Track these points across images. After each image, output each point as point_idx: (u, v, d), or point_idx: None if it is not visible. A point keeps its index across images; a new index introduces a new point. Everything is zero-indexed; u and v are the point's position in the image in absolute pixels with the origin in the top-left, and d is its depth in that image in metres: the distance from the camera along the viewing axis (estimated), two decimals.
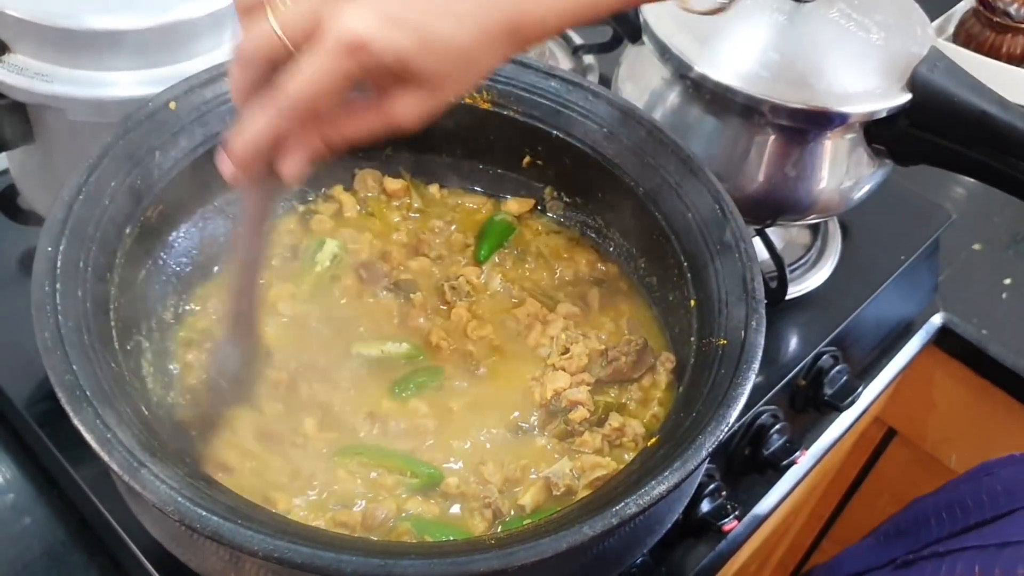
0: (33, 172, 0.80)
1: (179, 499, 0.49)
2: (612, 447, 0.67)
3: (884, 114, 0.81)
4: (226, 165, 0.55)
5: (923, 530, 0.79)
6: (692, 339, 0.66)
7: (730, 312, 0.64)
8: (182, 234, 0.73)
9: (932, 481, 1.25)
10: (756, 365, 0.59)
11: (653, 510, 0.53)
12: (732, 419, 0.56)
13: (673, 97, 0.87)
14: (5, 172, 0.88)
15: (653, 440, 0.61)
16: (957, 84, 0.79)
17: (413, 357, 0.72)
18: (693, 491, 0.70)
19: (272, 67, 0.52)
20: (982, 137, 0.79)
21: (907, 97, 0.80)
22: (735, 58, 0.82)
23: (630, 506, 0.51)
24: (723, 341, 0.62)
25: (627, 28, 0.92)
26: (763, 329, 0.62)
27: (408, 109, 0.54)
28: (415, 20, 0.50)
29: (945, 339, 1.10)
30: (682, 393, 0.64)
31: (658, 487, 0.52)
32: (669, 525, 0.64)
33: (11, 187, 0.86)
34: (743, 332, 0.61)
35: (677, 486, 0.53)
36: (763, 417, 0.88)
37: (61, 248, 0.59)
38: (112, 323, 0.61)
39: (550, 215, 0.84)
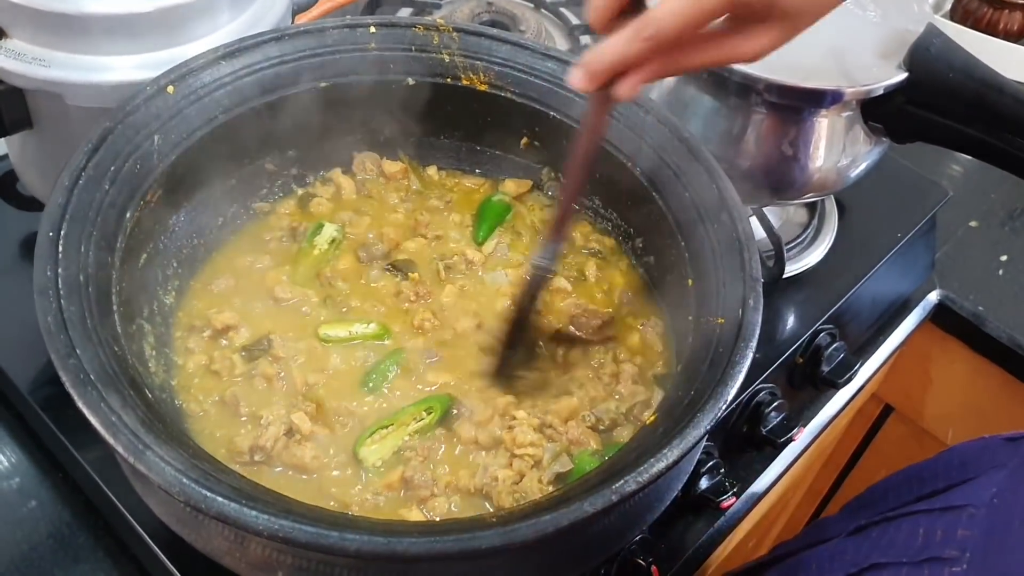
0: (32, 158, 0.80)
1: (184, 480, 0.49)
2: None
3: (881, 92, 0.81)
4: (577, 75, 0.58)
5: (881, 501, 0.80)
6: (690, 318, 0.67)
7: (727, 291, 0.64)
8: (183, 218, 0.74)
9: (928, 456, 1.26)
10: (754, 344, 0.59)
11: (653, 487, 0.54)
12: (730, 397, 0.57)
13: (670, 77, 0.87)
14: (4, 158, 0.88)
15: (652, 418, 0.61)
16: (954, 61, 0.79)
17: (379, 337, 0.73)
18: (692, 468, 0.71)
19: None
20: (979, 114, 0.80)
21: (904, 75, 0.80)
22: None
23: (630, 483, 0.52)
24: (720, 320, 0.62)
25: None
26: (760, 308, 0.62)
27: (760, 44, 0.57)
28: None
29: (942, 316, 1.11)
30: (680, 371, 0.65)
31: (657, 464, 0.53)
32: (668, 502, 0.65)
33: (10, 173, 0.86)
34: (740, 311, 0.62)
35: (676, 463, 0.54)
36: (761, 395, 0.89)
37: (62, 233, 0.59)
38: (114, 307, 0.61)
39: (548, 194, 0.84)
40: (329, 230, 0.78)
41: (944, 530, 0.66)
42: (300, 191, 0.82)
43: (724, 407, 0.56)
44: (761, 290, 0.63)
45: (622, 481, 0.52)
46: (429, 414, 0.68)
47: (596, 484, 0.53)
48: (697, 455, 0.75)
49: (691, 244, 0.69)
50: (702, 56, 0.57)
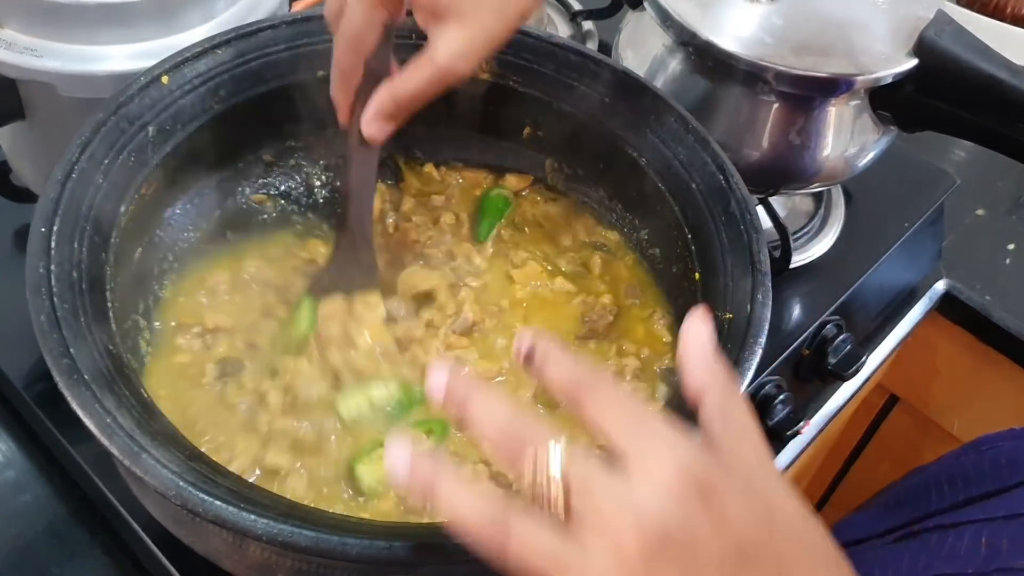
0: (25, 149, 0.79)
1: (181, 484, 0.48)
2: None
3: (890, 80, 0.80)
4: (373, 127, 0.64)
5: (923, 500, 0.79)
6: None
7: (735, 285, 0.63)
8: (178, 211, 0.72)
9: (934, 447, 1.26)
10: (763, 339, 0.58)
11: None
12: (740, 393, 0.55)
13: (675, 65, 0.85)
14: None
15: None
16: (964, 48, 0.77)
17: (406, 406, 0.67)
18: None
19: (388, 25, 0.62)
20: (990, 102, 0.78)
21: (913, 62, 0.79)
22: (738, 24, 0.81)
23: None
24: (729, 315, 0.61)
25: None
26: (769, 303, 0.61)
27: (449, 47, 0.58)
28: None
29: (948, 306, 1.09)
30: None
31: None
32: None
33: (2, 164, 0.85)
34: (749, 305, 0.60)
35: None
36: (767, 388, 0.88)
37: (55, 228, 0.58)
38: (109, 304, 0.60)
39: (551, 188, 0.83)
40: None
41: (1011, 540, 0.65)
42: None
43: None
44: (770, 284, 0.62)
45: None
46: (429, 435, 0.65)
47: None
48: None
49: (698, 237, 0.68)
50: (413, 75, 0.60)
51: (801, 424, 0.87)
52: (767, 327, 0.59)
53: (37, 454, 0.78)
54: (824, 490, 1.40)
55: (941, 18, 0.80)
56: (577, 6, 1.14)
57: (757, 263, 0.63)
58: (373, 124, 0.63)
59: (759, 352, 0.58)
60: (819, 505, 1.41)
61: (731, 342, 0.59)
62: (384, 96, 0.62)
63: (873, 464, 1.34)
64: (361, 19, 0.59)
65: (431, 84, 0.60)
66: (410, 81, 0.60)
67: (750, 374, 0.57)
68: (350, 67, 0.62)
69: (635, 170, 0.74)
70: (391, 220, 0.80)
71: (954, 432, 1.21)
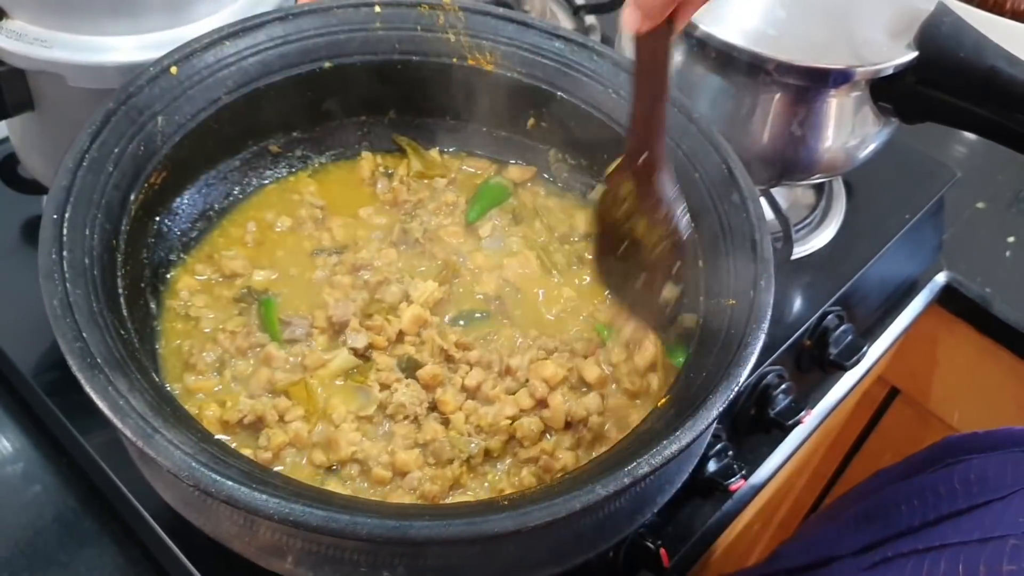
0: (33, 140, 0.79)
1: (193, 464, 0.49)
2: None
3: (891, 71, 0.80)
4: (633, 17, 0.57)
5: (893, 516, 0.78)
6: (701, 299, 0.66)
7: (738, 272, 0.64)
8: (186, 200, 0.73)
9: (935, 439, 1.26)
10: (765, 325, 0.59)
11: (664, 469, 0.54)
12: (742, 378, 0.56)
13: (678, 56, 0.86)
14: (4, 141, 0.88)
15: (664, 400, 0.61)
16: (964, 41, 0.78)
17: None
18: (702, 451, 0.70)
19: None
20: (989, 94, 0.79)
21: (914, 54, 0.80)
22: (740, 16, 0.81)
23: (642, 466, 0.52)
24: (732, 301, 0.62)
25: None
26: (772, 289, 0.61)
27: None
28: None
29: (949, 298, 1.10)
30: (692, 353, 0.64)
31: (670, 447, 0.53)
32: (679, 484, 0.64)
33: (11, 156, 0.85)
34: (752, 292, 0.61)
35: (689, 446, 0.53)
36: (769, 377, 0.88)
37: (67, 215, 0.59)
38: (120, 290, 0.61)
39: (554, 180, 0.84)
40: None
41: (988, 565, 0.65)
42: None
43: (736, 388, 0.55)
44: (772, 271, 0.63)
45: (635, 463, 0.52)
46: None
47: (609, 466, 0.52)
48: (708, 437, 0.75)
49: (702, 225, 0.69)
50: None
51: (803, 413, 0.88)
52: (770, 312, 0.60)
53: (46, 445, 0.78)
54: (825, 483, 1.41)
55: (941, 10, 0.81)
56: (580, 0, 1.14)
57: (760, 251, 0.64)
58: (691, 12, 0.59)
59: (762, 337, 0.58)
60: (820, 499, 1.42)
61: (734, 327, 0.60)
62: None
63: (874, 457, 1.35)
64: None
65: None
66: None
67: (753, 358, 0.57)
68: None
69: None
70: (382, 185, 0.82)
71: (954, 423, 1.21)
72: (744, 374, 0.56)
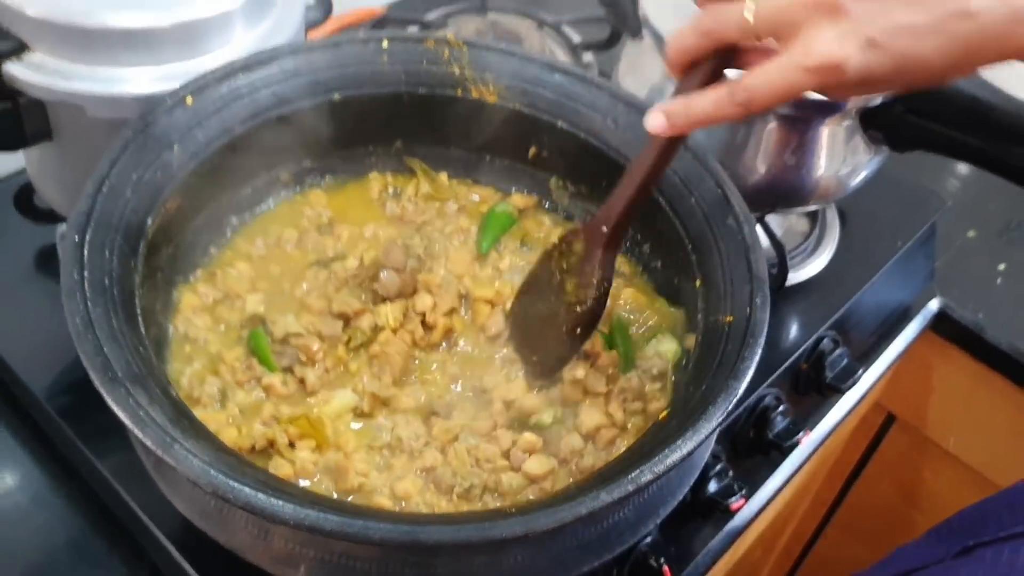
0: (51, 169, 0.82)
1: (212, 472, 0.50)
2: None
3: (880, 101, 0.83)
4: (658, 121, 0.62)
5: (980, 527, 0.78)
6: (699, 317, 0.68)
7: (735, 291, 0.66)
8: (200, 224, 0.75)
9: (932, 465, 1.28)
10: (762, 339, 0.61)
11: (666, 479, 0.55)
12: (741, 390, 0.58)
13: (673, 90, 0.88)
14: (21, 172, 0.90)
15: (664, 413, 0.62)
16: None
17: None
18: (703, 464, 0.72)
19: (722, 48, 0.59)
20: (975, 122, 0.81)
21: None
22: None
23: (646, 473, 0.53)
24: (729, 318, 0.64)
25: (626, 24, 0.94)
26: (768, 306, 0.64)
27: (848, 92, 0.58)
28: (893, 46, 0.54)
29: (942, 324, 1.12)
30: (691, 368, 0.66)
31: (672, 455, 0.54)
32: (681, 497, 0.66)
33: (27, 186, 0.88)
34: (748, 309, 0.63)
35: (690, 454, 0.55)
36: (767, 399, 0.90)
37: (87, 238, 0.61)
38: (138, 310, 0.63)
39: (556, 207, 0.86)
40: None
41: None
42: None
43: (735, 399, 0.57)
44: (768, 290, 0.65)
45: (638, 471, 0.53)
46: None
47: (613, 475, 0.54)
48: (709, 448, 0.77)
49: (698, 247, 0.71)
50: (763, 82, 0.58)
51: (800, 435, 0.90)
52: (766, 328, 0.62)
53: (57, 470, 0.80)
54: (826, 510, 1.42)
55: None
56: (577, 39, 1.18)
57: (755, 270, 0.66)
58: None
59: (759, 351, 0.60)
60: (822, 525, 1.43)
61: (732, 343, 0.62)
62: (725, 91, 0.59)
63: (874, 484, 1.36)
64: (788, 92, 0.57)
65: (790, 91, 0.57)
66: (766, 83, 0.57)
67: (751, 372, 0.59)
68: (701, 58, 0.61)
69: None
70: (391, 204, 0.84)
71: (950, 448, 1.23)
72: (743, 386, 0.58)
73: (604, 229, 0.69)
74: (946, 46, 0.54)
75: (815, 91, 0.57)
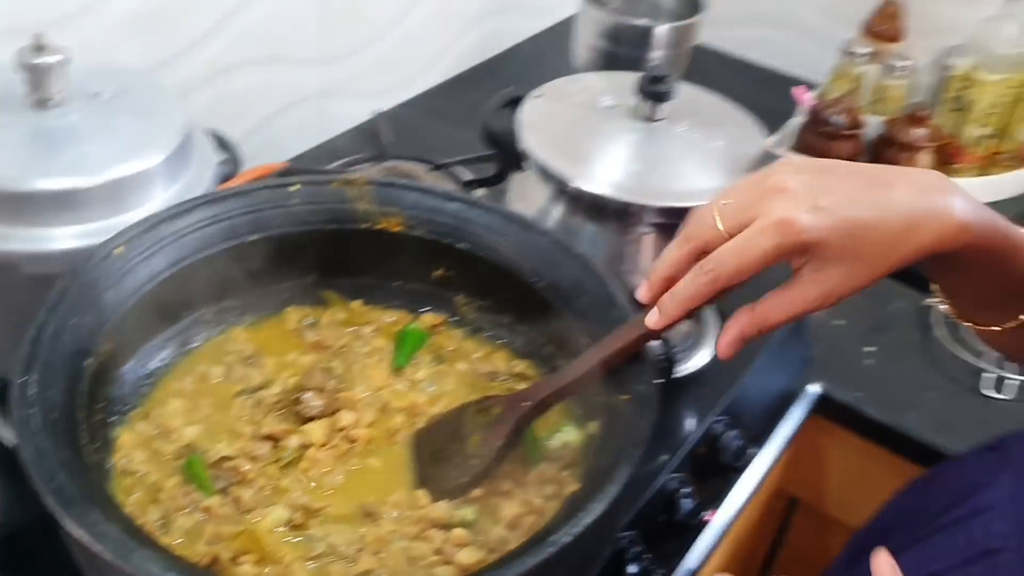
0: None
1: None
2: None
3: None
4: (654, 317, 0.70)
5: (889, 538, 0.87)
6: (600, 399, 0.76)
7: (629, 374, 0.74)
8: (133, 364, 0.81)
9: (839, 541, 1.35)
10: (655, 409, 0.69)
11: (583, 544, 0.62)
12: (639, 455, 0.66)
13: (558, 211, 0.99)
14: None
15: (575, 487, 0.69)
16: None
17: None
18: (620, 528, 0.77)
19: (704, 250, 0.66)
20: None
21: None
22: (606, 172, 0.96)
23: (564, 535, 0.60)
24: (626, 396, 0.72)
25: (511, 159, 1.05)
26: (657, 382, 0.72)
27: (821, 289, 0.62)
28: (837, 209, 0.60)
29: (824, 406, 1.22)
30: (596, 445, 0.74)
31: (586, 517, 0.61)
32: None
33: None
34: (642, 386, 0.72)
35: (604, 515, 0.62)
36: (672, 484, 0.98)
37: (32, 378, 0.66)
38: (82, 443, 0.67)
39: (463, 322, 0.94)
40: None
41: (982, 529, 0.75)
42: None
43: (636, 461, 0.65)
44: (655, 369, 0.74)
45: (559, 533, 0.60)
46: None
47: (526, 546, 0.60)
48: (622, 520, 0.83)
49: (595, 341, 0.79)
50: (780, 307, 0.65)
51: (706, 513, 0.97)
52: (658, 400, 0.70)
53: None
54: None
55: (766, 154, 0.97)
56: (467, 176, 1.29)
57: (643, 356, 0.75)
58: (731, 348, 0.68)
59: (654, 419, 0.69)
60: None
61: (630, 416, 0.70)
62: (747, 322, 0.66)
63: (787, 568, 1.43)
64: (751, 257, 0.62)
65: (793, 316, 0.64)
66: (778, 311, 0.64)
67: (648, 438, 0.67)
68: (685, 266, 0.67)
69: (535, 295, 0.86)
70: (308, 333, 0.90)
71: (852, 524, 1.31)
72: (640, 452, 0.66)
73: (525, 404, 0.77)
74: (884, 215, 0.61)
75: (777, 249, 0.61)
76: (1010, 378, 1.22)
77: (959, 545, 0.76)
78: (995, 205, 0.64)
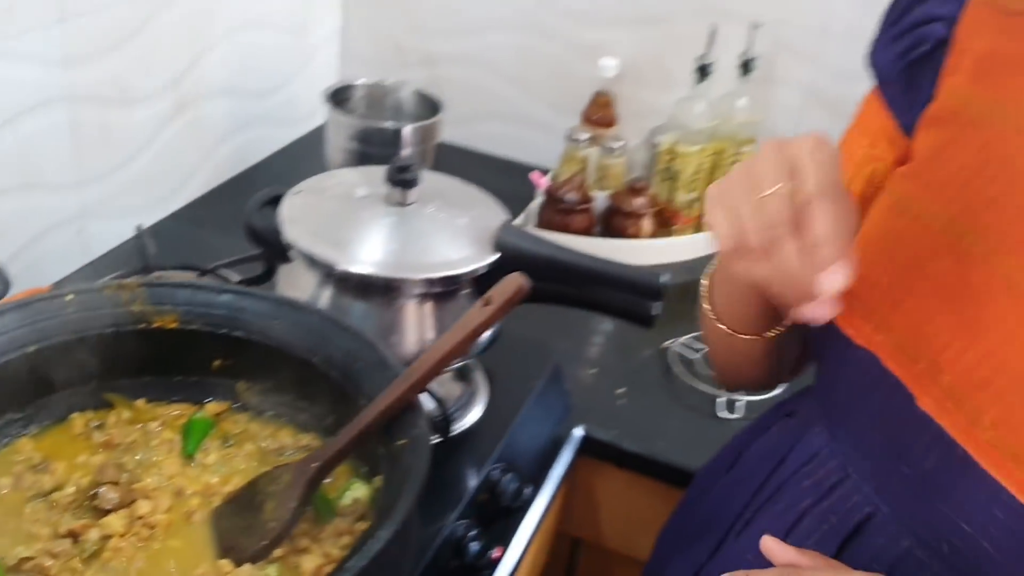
0: None
1: None
2: None
3: (484, 270, 1.08)
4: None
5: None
6: (381, 450, 0.85)
7: (405, 423, 0.84)
8: None
9: (628, 573, 1.47)
10: (428, 448, 0.79)
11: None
12: (418, 489, 0.75)
13: (327, 294, 1.08)
14: None
15: (366, 526, 0.77)
16: (524, 239, 1.09)
17: None
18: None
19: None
20: (555, 274, 1.09)
21: (496, 255, 1.08)
22: (367, 253, 1.06)
23: (360, 560, 0.68)
24: (403, 441, 0.82)
25: (276, 254, 1.13)
26: (428, 428, 0.82)
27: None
28: None
29: (589, 446, 1.35)
30: (382, 489, 0.82)
31: (375, 545, 0.69)
32: None
33: None
34: (416, 430, 0.81)
35: (384, 550, 0.70)
36: (459, 530, 1.06)
37: None
38: None
39: (246, 407, 1.00)
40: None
41: (821, 469, 0.85)
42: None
43: (415, 495, 0.74)
44: (426, 416, 0.84)
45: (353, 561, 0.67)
46: None
47: None
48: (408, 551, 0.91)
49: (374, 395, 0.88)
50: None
51: (492, 551, 1.06)
52: (430, 440, 0.80)
53: None
54: None
55: (507, 224, 1.11)
56: (235, 277, 1.35)
57: (417, 408, 0.85)
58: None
59: (428, 456, 0.78)
60: None
61: (408, 458, 0.79)
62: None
63: None
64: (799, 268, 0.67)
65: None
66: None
67: (424, 473, 0.77)
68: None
69: (312, 371, 0.94)
70: (96, 435, 0.93)
71: (634, 555, 1.44)
72: (419, 486, 0.75)
73: (313, 465, 0.85)
74: None
75: None
76: (739, 399, 1.41)
77: (798, 494, 0.85)
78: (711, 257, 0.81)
